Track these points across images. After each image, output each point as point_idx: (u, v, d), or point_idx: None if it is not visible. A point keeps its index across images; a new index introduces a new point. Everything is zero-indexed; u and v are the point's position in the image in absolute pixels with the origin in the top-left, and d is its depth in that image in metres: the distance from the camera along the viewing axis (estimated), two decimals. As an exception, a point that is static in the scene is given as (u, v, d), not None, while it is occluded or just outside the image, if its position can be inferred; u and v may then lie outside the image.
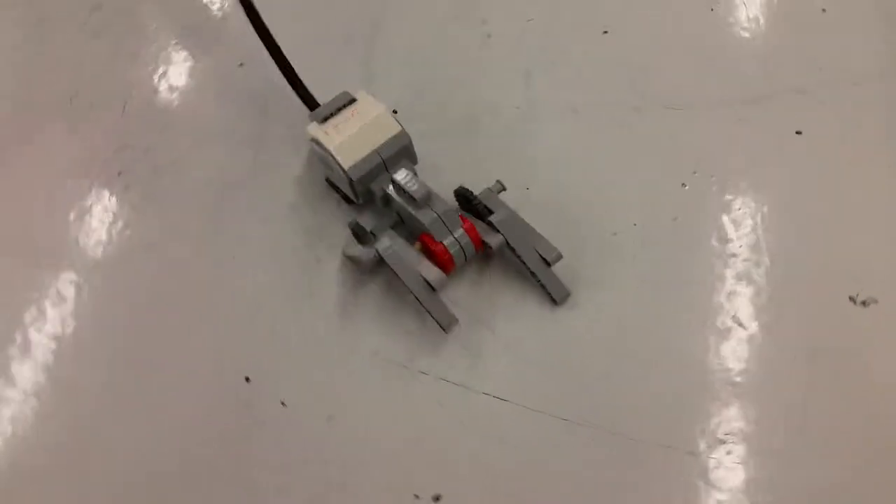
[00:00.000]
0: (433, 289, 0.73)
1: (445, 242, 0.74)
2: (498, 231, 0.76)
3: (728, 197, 0.81)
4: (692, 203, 0.82)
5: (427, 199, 0.75)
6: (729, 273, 0.77)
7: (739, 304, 0.75)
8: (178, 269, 0.84)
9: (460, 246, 0.75)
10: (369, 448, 0.71)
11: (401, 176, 0.77)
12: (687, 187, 0.82)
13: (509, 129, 0.89)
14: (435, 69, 0.96)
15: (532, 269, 0.75)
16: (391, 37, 1.00)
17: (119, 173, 0.92)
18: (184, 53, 1.04)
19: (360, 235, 0.79)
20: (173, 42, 1.05)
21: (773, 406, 0.69)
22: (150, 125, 0.97)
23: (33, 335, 0.80)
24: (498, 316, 0.76)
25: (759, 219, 0.80)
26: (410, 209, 0.76)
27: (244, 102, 0.97)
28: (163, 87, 1.01)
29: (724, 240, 0.79)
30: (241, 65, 1.02)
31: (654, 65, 0.93)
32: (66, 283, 0.83)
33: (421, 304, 0.73)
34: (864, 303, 0.74)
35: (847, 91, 0.87)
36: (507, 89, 0.93)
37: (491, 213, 0.76)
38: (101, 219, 0.88)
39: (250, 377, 0.76)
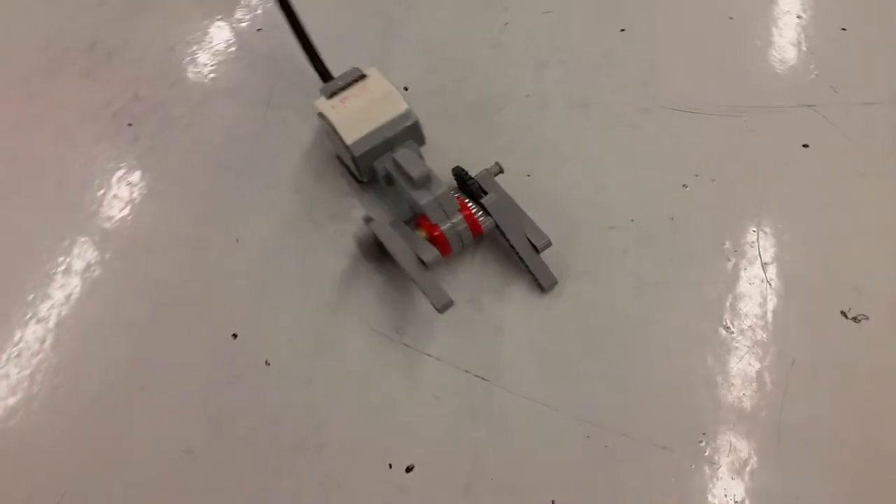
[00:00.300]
0: (426, 267, 0.72)
1: (442, 226, 0.74)
2: (489, 214, 0.76)
3: (727, 202, 0.82)
4: (691, 204, 0.82)
5: (426, 181, 0.74)
6: (720, 277, 0.77)
7: (728, 308, 0.75)
8: (177, 222, 0.84)
9: (457, 231, 0.74)
10: (346, 414, 0.71)
11: (400, 155, 0.76)
12: (688, 188, 0.83)
13: (517, 117, 0.90)
14: (451, 49, 0.97)
15: (521, 255, 0.76)
16: (414, 14, 1.01)
17: (129, 124, 0.93)
18: (204, 13, 1.05)
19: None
20: (197, 3, 1.06)
21: (752, 411, 0.70)
22: (163, 79, 0.98)
23: (28, 272, 0.81)
24: (485, 297, 0.77)
25: (756, 226, 0.80)
26: (409, 189, 0.75)
27: (259, 66, 0.98)
28: (180, 43, 1.02)
29: (719, 244, 0.79)
30: (260, 30, 1.03)
31: (668, 67, 0.93)
32: (60, 224, 0.84)
33: (415, 282, 0.72)
34: (855, 318, 0.74)
35: (857, 111, 0.87)
36: (520, 78, 0.94)
37: (485, 194, 0.76)
38: (105, 167, 0.89)
39: (237, 334, 0.76)
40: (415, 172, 0.74)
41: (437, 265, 0.74)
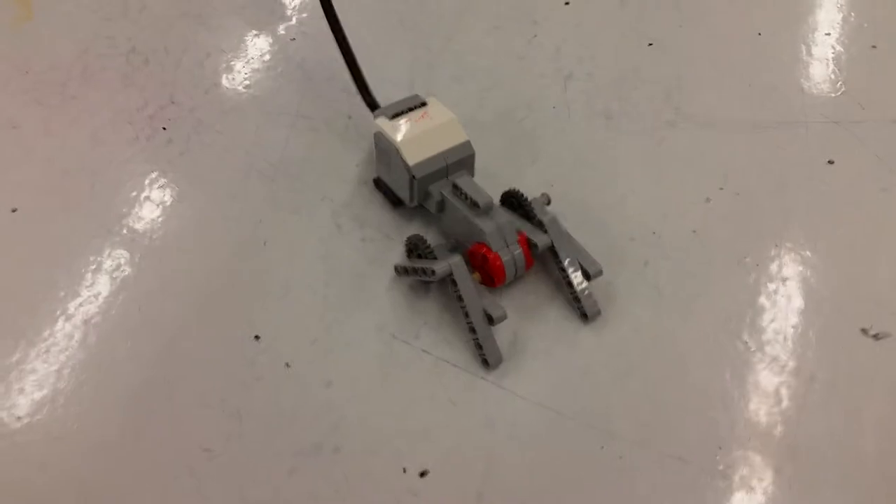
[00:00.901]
0: (492, 321, 0.73)
1: (502, 255, 0.74)
2: (544, 232, 0.76)
3: (751, 217, 0.82)
4: (714, 218, 0.82)
5: (490, 208, 0.76)
6: (741, 292, 0.77)
7: (748, 323, 0.75)
8: (205, 224, 0.86)
9: (514, 260, 0.75)
10: (363, 417, 0.72)
11: (463, 182, 0.78)
12: (711, 202, 0.83)
13: (542, 127, 0.91)
14: (477, 61, 0.98)
15: (569, 280, 0.75)
16: (443, 26, 1.02)
17: (164, 128, 0.96)
18: (239, 22, 1.07)
19: (419, 248, 0.78)
20: (232, 9, 1.09)
21: (769, 427, 0.69)
22: (198, 86, 1.00)
23: (60, 270, 0.83)
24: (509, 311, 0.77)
25: (779, 242, 0.80)
26: (471, 216, 0.76)
27: (290, 76, 1.00)
28: (215, 51, 1.04)
29: (741, 258, 0.79)
30: (293, 39, 1.05)
31: (694, 81, 0.93)
32: (92, 224, 0.86)
33: (475, 335, 0.73)
34: (876, 336, 0.73)
35: (885, 128, 0.87)
36: (546, 89, 0.95)
37: (536, 218, 0.77)
38: (138, 169, 0.91)
39: (260, 336, 0.78)
40: (480, 199, 0.75)
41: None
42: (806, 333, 0.74)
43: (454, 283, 0.73)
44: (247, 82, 1.01)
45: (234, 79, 1.01)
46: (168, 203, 0.88)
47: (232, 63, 1.03)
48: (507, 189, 0.80)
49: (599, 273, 0.76)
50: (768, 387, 0.71)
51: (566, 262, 0.76)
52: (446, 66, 0.98)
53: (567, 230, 0.77)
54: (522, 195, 0.79)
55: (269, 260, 0.83)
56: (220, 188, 0.89)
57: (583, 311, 0.76)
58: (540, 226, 0.76)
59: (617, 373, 0.73)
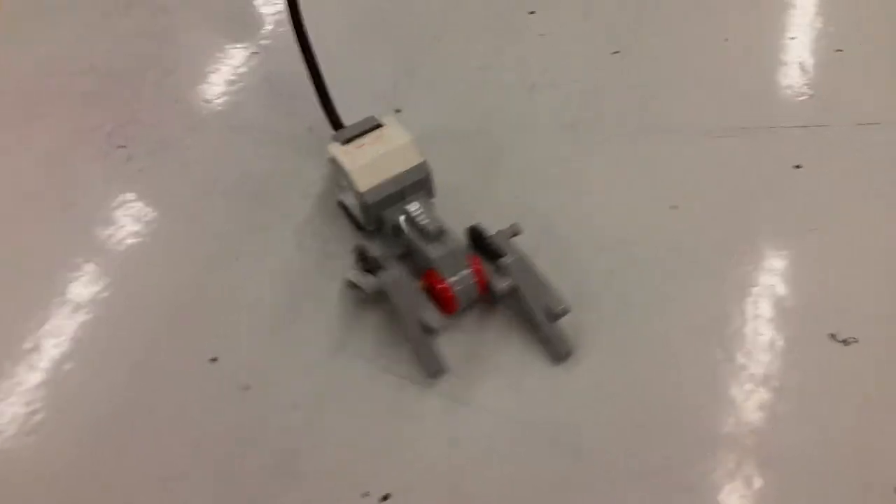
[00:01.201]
0: (430, 332, 0.71)
1: (451, 281, 0.72)
2: (507, 275, 0.73)
3: (717, 223, 0.80)
4: (681, 226, 0.81)
5: (439, 235, 0.74)
6: (708, 301, 0.76)
7: (716, 332, 0.74)
8: (165, 243, 0.84)
9: (465, 287, 0.72)
10: (324, 440, 0.70)
11: (414, 208, 0.76)
12: (678, 210, 0.82)
13: (509, 138, 0.90)
14: (446, 72, 0.97)
15: (535, 321, 0.73)
16: (409, 40, 1.01)
17: (123, 146, 0.94)
18: (205, 37, 1.06)
19: (365, 261, 0.76)
20: (196, 27, 1.07)
21: (739, 437, 0.68)
22: (160, 103, 0.99)
23: (18, 291, 0.81)
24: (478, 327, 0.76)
25: (747, 248, 0.79)
26: (420, 243, 0.74)
27: (255, 93, 0.98)
28: (179, 66, 1.02)
29: (709, 266, 0.78)
30: (256, 53, 1.04)
31: (660, 89, 0.92)
32: (48, 236, 0.85)
33: (413, 347, 0.72)
34: (845, 341, 0.72)
35: (851, 131, 0.86)
36: (511, 101, 0.93)
37: (501, 255, 0.74)
38: (94, 188, 0.90)
39: (218, 358, 0.76)
40: (429, 225, 0.73)
41: (442, 332, 0.73)
42: (775, 341, 0.73)
43: (390, 297, 0.72)
44: (210, 97, 0.99)
45: (197, 94, 1.00)
46: (123, 223, 0.86)
47: (195, 79, 1.02)
48: (471, 224, 0.76)
49: (565, 312, 0.72)
50: (739, 397, 0.70)
51: (530, 305, 0.72)
52: (414, 80, 0.97)
53: (532, 264, 0.74)
54: (484, 236, 0.75)
55: (229, 279, 0.81)
56: (179, 206, 0.87)
57: (552, 352, 0.73)
58: (502, 268, 0.73)
59: (585, 388, 0.71)
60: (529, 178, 0.86)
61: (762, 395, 0.70)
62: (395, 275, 0.73)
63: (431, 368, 0.72)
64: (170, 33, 1.07)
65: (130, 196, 0.89)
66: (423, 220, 0.74)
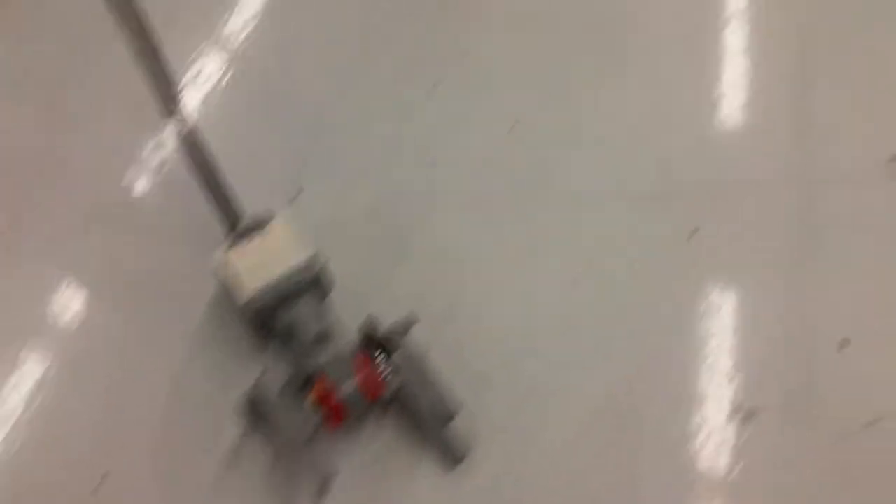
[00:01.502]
0: (303, 442, 0.67)
1: (335, 391, 0.67)
2: (397, 373, 0.70)
3: (615, 297, 0.80)
4: (580, 304, 0.80)
5: (322, 339, 0.70)
6: (602, 380, 0.75)
7: (620, 414, 0.72)
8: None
9: (351, 397, 0.68)
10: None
11: (296, 313, 0.71)
12: (578, 285, 0.80)
13: (408, 221, 0.88)
14: (346, 152, 0.94)
15: (426, 425, 0.70)
16: (305, 120, 0.98)
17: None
18: (101, 130, 1.00)
19: (255, 413, 0.70)
20: (94, 118, 1.02)
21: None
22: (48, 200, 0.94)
23: None
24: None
25: (649, 321, 0.78)
26: (307, 349, 0.70)
27: (155, 190, 0.94)
28: (72, 160, 0.98)
29: (607, 347, 0.76)
30: (157, 147, 0.99)
31: (559, 160, 0.91)
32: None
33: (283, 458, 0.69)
34: (744, 417, 0.72)
35: (749, 191, 0.86)
36: (411, 177, 0.91)
37: (393, 351, 0.70)
38: None
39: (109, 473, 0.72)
40: (311, 331, 0.70)
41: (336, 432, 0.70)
42: (679, 409, 0.72)
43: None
44: (103, 196, 0.94)
45: (91, 189, 0.95)
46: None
47: (92, 176, 0.96)
48: (366, 316, 0.73)
49: (455, 415, 0.69)
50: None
51: (420, 407, 0.69)
52: (311, 166, 0.93)
53: (424, 360, 0.70)
54: (374, 338, 0.71)
55: (119, 396, 0.78)
56: (67, 307, 0.84)
57: (445, 457, 0.70)
58: (395, 366, 0.70)
59: (480, 496, 0.69)
60: (430, 260, 0.85)
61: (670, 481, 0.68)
62: (271, 380, 0.70)
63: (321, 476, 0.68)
64: (74, 125, 1.02)
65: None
66: (304, 327, 0.70)
